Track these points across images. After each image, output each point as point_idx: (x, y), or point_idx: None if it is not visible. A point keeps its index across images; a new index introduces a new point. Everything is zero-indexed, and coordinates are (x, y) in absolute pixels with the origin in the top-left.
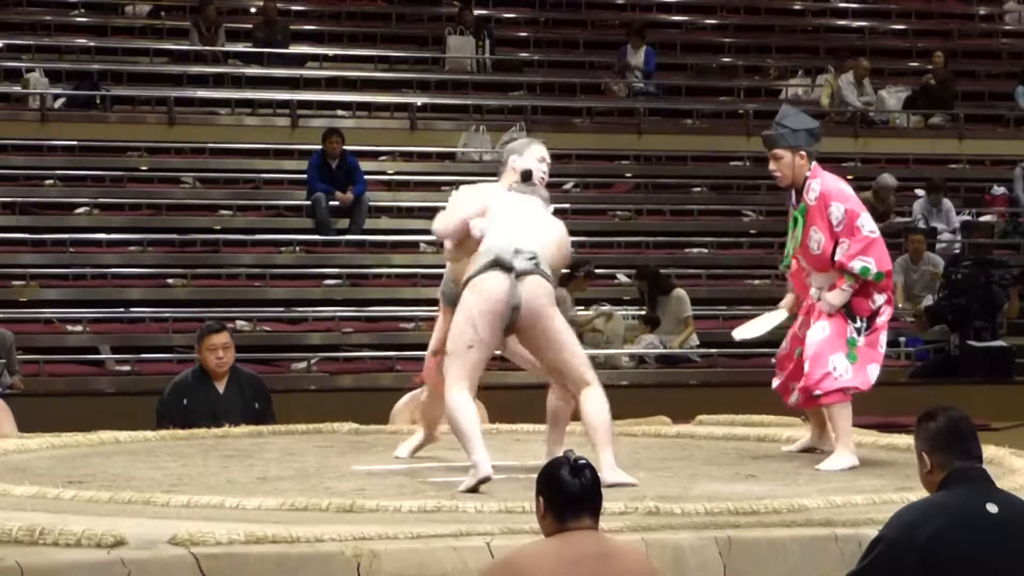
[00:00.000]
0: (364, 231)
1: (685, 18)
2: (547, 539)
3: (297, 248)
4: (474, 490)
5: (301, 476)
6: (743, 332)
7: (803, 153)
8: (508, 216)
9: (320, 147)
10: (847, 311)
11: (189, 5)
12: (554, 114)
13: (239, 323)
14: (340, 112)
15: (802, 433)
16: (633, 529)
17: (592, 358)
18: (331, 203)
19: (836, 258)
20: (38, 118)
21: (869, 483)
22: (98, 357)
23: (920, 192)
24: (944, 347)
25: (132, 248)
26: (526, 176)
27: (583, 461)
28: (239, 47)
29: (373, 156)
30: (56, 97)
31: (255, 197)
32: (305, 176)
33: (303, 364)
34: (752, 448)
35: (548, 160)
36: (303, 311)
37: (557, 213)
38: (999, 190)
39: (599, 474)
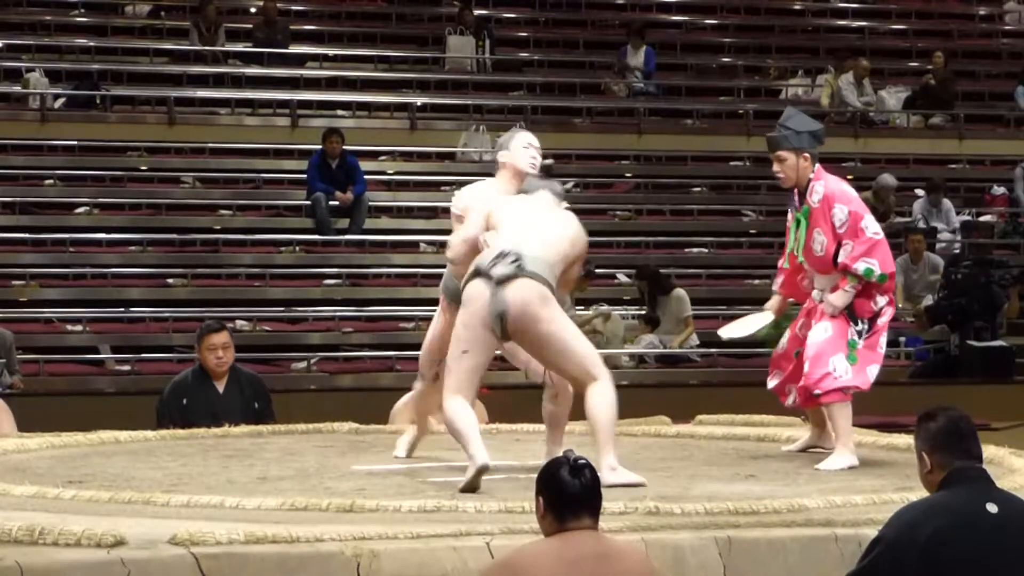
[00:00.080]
0: (364, 231)
1: (685, 18)
2: (547, 539)
3: (297, 248)
4: (474, 482)
5: (301, 476)
6: (729, 331)
7: (807, 155)
8: (511, 223)
9: (320, 147)
10: (849, 313)
11: (189, 5)
12: (554, 114)
13: (239, 323)
14: (340, 112)
15: (802, 433)
16: (633, 529)
17: None
18: (331, 203)
19: (839, 260)
20: (38, 118)
21: (869, 483)
22: (98, 357)
23: (920, 192)
24: (944, 347)
25: (132, 248)
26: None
27: (583, 461)
28: (239, 47)
29: (373, 156)
30: (56, 97)
31: (255, 197)
32: (305, 176)
33: (303, 364)
34: (752, 448)
35: (535, 145)
36: (303, 311)
37: None
38: (999, 190)
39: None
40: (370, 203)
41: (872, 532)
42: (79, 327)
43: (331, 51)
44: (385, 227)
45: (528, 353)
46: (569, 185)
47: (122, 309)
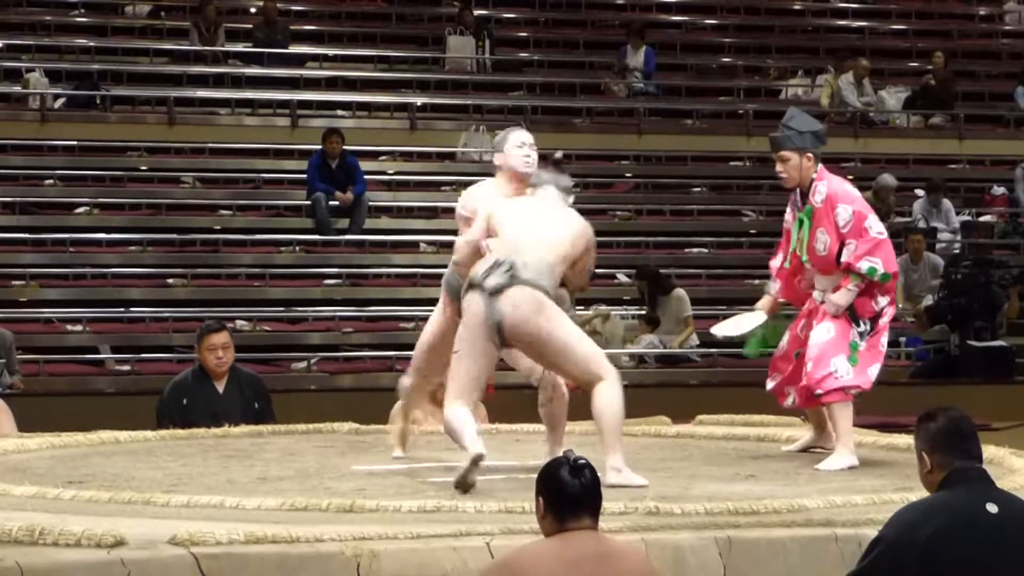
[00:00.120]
0: (364, 231)
1: (685, 18)
2: (547, 539)
3: (297, 248)
4: (469, 473)
5: (301, 476)
6: (723, 329)
7: (810, 155)
8: (510, 228)
9: (320, 147)
10: (851, 313)
11: (189, 5)
12: (554, 114)
13: (239, 323)
14: (340, 112)
15: (802, 433)
16: (633, 529)
17: None
18: (331, 203)
19: (843, 258)
20: (38, 118)
21: (869, 483)
22: (98, 357)
23: (920, 192)
24: (944, 347)
25: (132, 248)
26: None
27: (583, 461)
28: (239, 47)
29: (373, 156)
30: (56, 97)
31: (255, 197)
32: (305, 176)
33: (303, 364)
34: (752, 448)
35: (528, 142)
36: (303, 311)
37: None
38: (999, 190)
39: (602, 475)
40: (370, 203)
41: (872, 532)
42: (79, 327)
43: (331, 51)
44: (385, 227)
45: (531, 359)
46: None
47: (122, 309)
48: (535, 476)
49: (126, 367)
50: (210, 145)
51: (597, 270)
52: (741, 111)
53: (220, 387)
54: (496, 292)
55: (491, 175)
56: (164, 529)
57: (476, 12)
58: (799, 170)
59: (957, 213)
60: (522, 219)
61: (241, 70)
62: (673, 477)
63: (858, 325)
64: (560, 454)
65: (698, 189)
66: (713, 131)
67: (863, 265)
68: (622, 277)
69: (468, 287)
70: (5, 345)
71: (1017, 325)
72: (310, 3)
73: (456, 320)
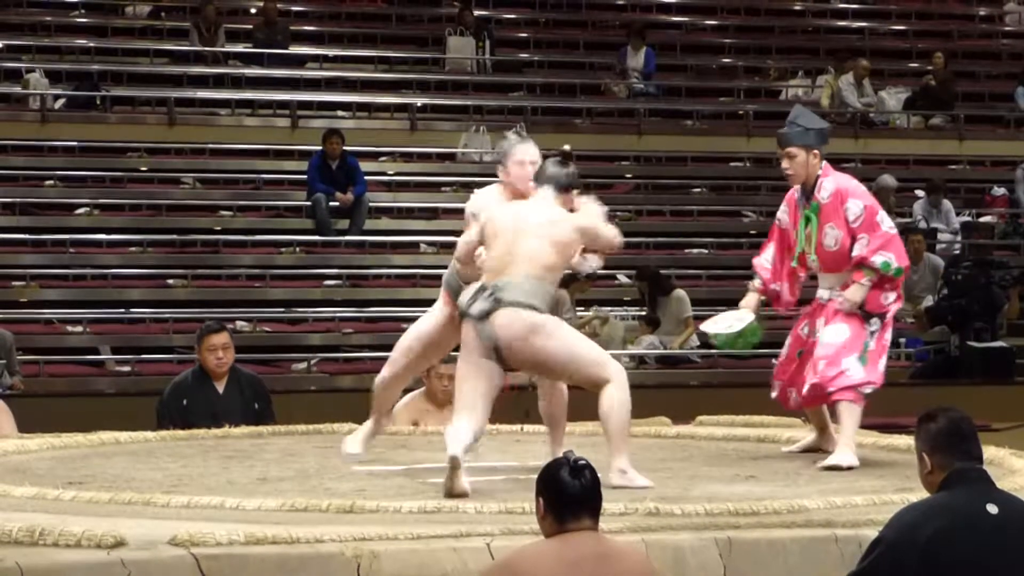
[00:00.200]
0: (364, 232)
1: (685, 19)
2: (547, 540)
3: (297, 249)
4: (449, 478)
5: (301, 477)
6: (713, 326)
7: (816, 152)
8: (499, 243)
9: (320, 148)
10: (862, 310)
11: (189, 6)
12: (554, 115)
13: (239, 324)
14: (340, 113)
15: (802, 434)
16: (633, 530)
17: None
18: (331, 204)
19: (855, 253)
20: (38, 119)
21: (869, 484)
22: (98, 358)
23: (920, 193)
24: (944, 348)
25: (132, 248)
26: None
27: (583, 462)
28: (239, 48)
29: (373, 157)
30: (56, 98)
31: (255, 198)
32: (305, 177)
33: (303, 365)
34: (752, 449)
35: (530, 160)
36: (303, 312)
37: None
38: (999, 191)
39: (608, 477)
40: (370, 204)
41: (872, 533)
42: (79, 328)
43: (331, 52)
44: (385, 228)
45: (535, 374)
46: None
47: (122, 310)
48: (535, 477)
49: (126, 368)
50: (210, 146)
51: (598, 271)
52: (741, 112)
53: (220, 388)
54: (483, 317)
55: (490, 175)
56: (164, 530)
57: (476, 13)
58: (805, 167)
59: (957, 214)
60: (509, 232)
61: (241, 71)
62: (673, 478)
63: (870, 324)
64: (561, 455)
65: (698, 190)
66: (713, 132)
67: (877, 259)
68: (622, 278)
69: (460, 316)
70: (5, 346)
71: (1017, 326)
72: (310, 4)
73: (453, 318)
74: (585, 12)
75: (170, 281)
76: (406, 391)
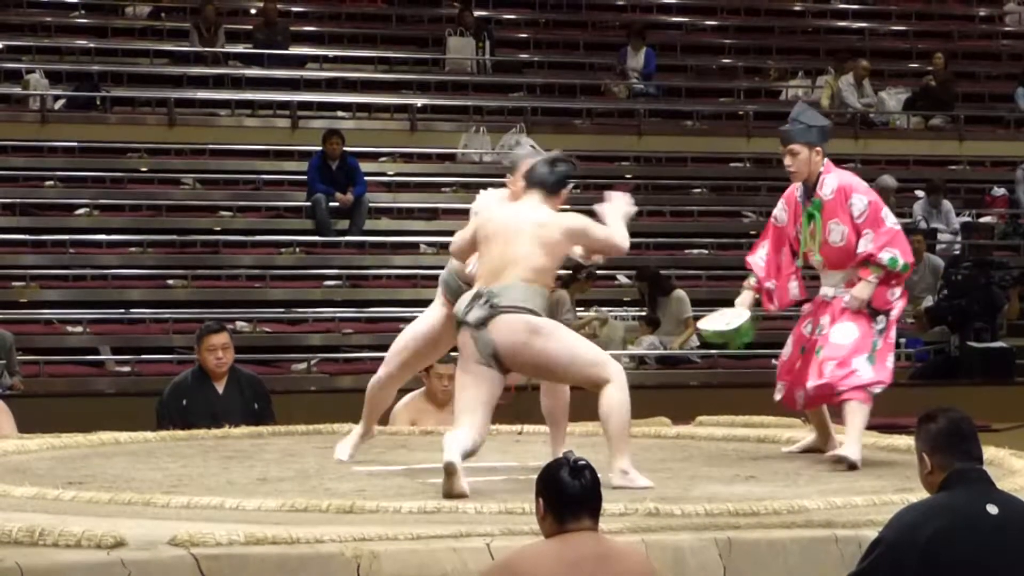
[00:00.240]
0: (364, 232)
1: (685, 19)
2: (547, 540)
3: (297, 249)
4: (446, 483)
5: (301, 477)
6: (710, 324)
7: (818, 149)
8: (492, 249)
9: (320, 148)
10: (869, 308)
11: (189, 6)
12: (554, 115)
13: (239, 324)
14: (340, 113)
15: (802, 434)
16: (633, 530)
17: None
18: (331, 204)
19: (861, 249)
20: (38, 119)
21: (869, 484)
22: (98, 358)
23: (920, 193)
24: (944, 348)
25: (132, 249)
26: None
27: (583, 462)
28: (239, 48)
29: (373, 157)
30: (56, 98)
31: (255, 198)
32: (305, 177)
33: (303, 365)
34: (752, 449)
35: None
36: (303, 312)
37: None
38: (999, 191)
39: (609, 477)
40: (370, 204)
41: (872, 533)
42: (79, 328)
43: (331, 52)
44: (385, 228)
45: (535, 377)
46: (570, 187)
47: (122, 310)
48: (535, 477)
49: (126, 368)
50: (210, 146)
51: (598, 271)
52: (741, 112)
53: (220, 388)
54: (481, 325)
55: (490, 176)
56: (164, 530)
57: (476, 13)
58: (808, 164)
59: (957, 214)
60: (502, 236)
61: (241, 71)
62: (673, 478)
63: (877, 322)
64: (561, 455)
65: (698, 190)
66: (713, 132)
67: (884, 256)
68: (622, 278)
69: (456, 325)
70: (5, 346)
71: (1017, 326)
72: (310, 4)
73: (451, 317)
74: (585, 12)
75: (170, 281)
76: (406, 391)
